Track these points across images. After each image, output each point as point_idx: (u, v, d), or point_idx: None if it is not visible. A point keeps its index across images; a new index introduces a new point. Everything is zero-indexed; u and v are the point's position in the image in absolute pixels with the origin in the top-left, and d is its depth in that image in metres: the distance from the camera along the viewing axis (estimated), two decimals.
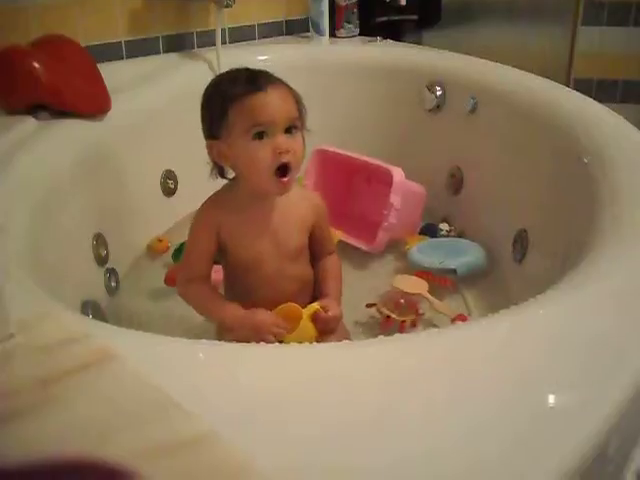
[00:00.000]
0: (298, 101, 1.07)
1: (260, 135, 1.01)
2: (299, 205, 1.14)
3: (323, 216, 1.19)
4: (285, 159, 1.02)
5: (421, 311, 1.29)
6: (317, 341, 1.08)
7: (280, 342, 1.06)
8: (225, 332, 1.13)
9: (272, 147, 1.01)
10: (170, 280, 1.43)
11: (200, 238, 1.11)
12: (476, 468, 0.48)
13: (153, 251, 1.58)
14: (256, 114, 1.01)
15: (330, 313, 1.08)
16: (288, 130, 1.03)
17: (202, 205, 1.13)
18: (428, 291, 1.33)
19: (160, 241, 1.60)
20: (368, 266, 1.51)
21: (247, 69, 1.07)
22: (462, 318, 1.26)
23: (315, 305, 1.09)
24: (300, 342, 1.04)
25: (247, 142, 1.02)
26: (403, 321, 1.25)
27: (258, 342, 0.99)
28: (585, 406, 0.55)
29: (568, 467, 0.49)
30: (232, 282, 1.16)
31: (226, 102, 1.03)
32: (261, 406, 0.53)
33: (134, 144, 1.53)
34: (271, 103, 1.01)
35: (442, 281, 1.40)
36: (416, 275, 1.39)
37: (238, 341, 1.06)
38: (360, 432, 0.51)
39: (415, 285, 1.34)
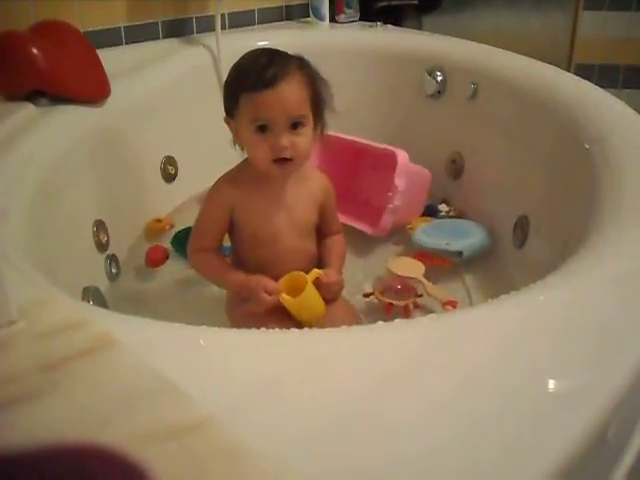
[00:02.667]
0: (315, 93, 1.09)
1: (263, 128, 1.05)
2: (311, 182, 1.19)
3: (332, 196, 1.23)
4: (284, 155, 1.06)
5: (419, 292, 1.29)
6: (324, 315, 1.12)
7: (291, 316, 1.11)
8: (234, 309, 1.17)
9: (271, 143, 1.05)
10: (151, 261, 1.45)
11: (212, 215, 1.15)
12: (478, 456, 0.48)
13: (151, 232, 1.57)
14: (260, 110, 1.04)
15: (331, 279, 1.13)
16: (294, 125, 1.06)
17: (216, 183, 1.16)
18: (424, 274, 1.32)
19: (159, 221, 1.59)
20: (371, 250, 1.51)
21: (269, 54, 1.08)
22: (452, 304, 1.26)
23: (316, 270, 1.13)
24: (305, 309, 1.10)
25: (250, 132, 1.06)
26: (406, 305, 1.26)
27: (255, 303, 1.07)
28: (586, 391, 0.55)
29: (568, 453, 0.49)
30: (243, 259, 1.18)
31: (238, 90, 1.06)
32: (262, 393, 0.53)
33: (134, 130, 1.53)
34: (276, 101, 1.04)
35: (441, 262, 1.40)
36: (415, 257, 1.39)
37: (246, 316, 1.11)
38: (360, 422, 0.51)
39: (410, 268, 1.33)
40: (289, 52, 1.12)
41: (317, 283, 1.12)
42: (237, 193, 1.13)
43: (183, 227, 1.54)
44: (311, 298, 1.10)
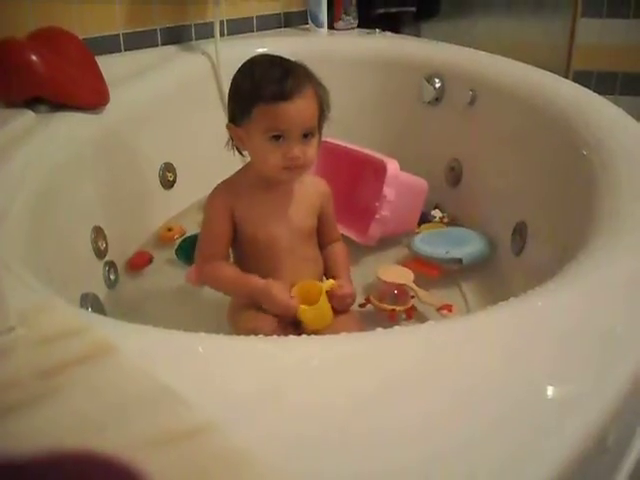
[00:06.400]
0: (322, 102, 1.12)
1: (277, 137, 1.07)
2: (309, 188, 1.20)
3: (330, 202, 1.24)
4: (296, 163, 1.09)
5: (411, 294, 1.30)
6: (332, 323, 1.12)
7: (299, 320, 1.10)
8: (238, 317, 1.16)
9: (284, 152, 1.07)
10: (132, 266, 1.48)
11: (215, 221, 1.15)
12: (478, 463, 0.48)
13: (162, 240, 1.58)
14: (277, 121, 1.06)
15: (345, 291, 1.14)
16: (305, 135, 1.08)
17: (214, 190, 1.17)
18: (414, 281, 1.31)
19: (170, 230, 1.60)
20: (364, 258, 1.50)
21: (281, 63, 1.10)
22: (448, 308, 1.26)
23: (331, 281, 1.14)
24: (318, 319, 1.10)
25: (263, 141, 1.08)
26: (408, 309, 1.27)
27: (276, 312, 1.08)
28: (586, 397, 0.55)
29: (568, 460, 0.49)
30: (243, 266, 1.17)
31: (253, 99, 1.07)
32: (260, 400, 0.53)
33: (133, 137, 1.53)
34: (293, 113, 1.06)
35: (429, 270, 1.40)
36: (405, 264, 1.40)
37: (251, 323, 1.10)
38: (360, 429, 0.51)
39: (400, 275, 1.32)
40: (289, 59, 1.12)
41: (330, 294, 1.12)
42: (235, 198, 1.14)
43: (185, 236, 1.56)
44: (324, 308, 1.10)
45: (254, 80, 1.08)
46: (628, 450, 0.65)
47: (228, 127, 1.14)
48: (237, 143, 1.15)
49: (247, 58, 1.13)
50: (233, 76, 1.14)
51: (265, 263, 1.14)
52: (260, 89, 1.06)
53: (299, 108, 1.06)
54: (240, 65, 1.13)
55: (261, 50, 1.87)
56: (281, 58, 1.12)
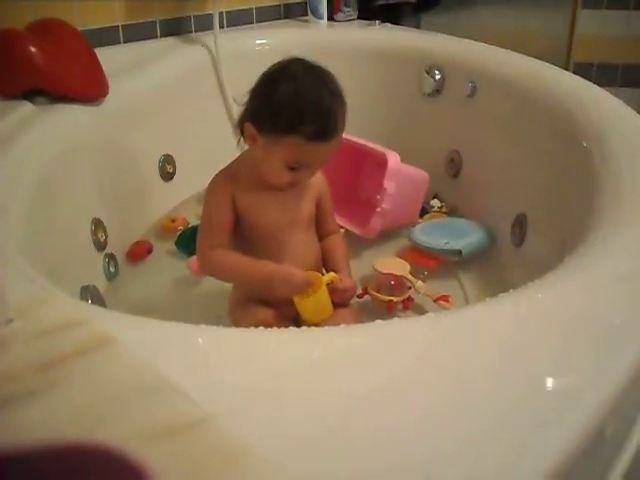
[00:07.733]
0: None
1: (295, 168, 1.07)
2: None
3: (326, 192, 1.23)
4: (300, 184, 1.11)
5: (408, 284, 1.30)
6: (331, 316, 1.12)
7: (298, 310, 1.11)
8: (239, 311, 1.17)
9: (294, 178, 1.08)
10: (132, 255, 1.48)
11: (217, 210, 1.13)
12: (478, 457, 0.48)
13: (165, 231, 1.58)
14: (306, 157, 1.05)
15: (346, 284, 1.14)
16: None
17: (213, 179, 1.15)
18: (411, 272, 1.32)
19: (173, 221, 1.60)
20: (362, 250, 1.50)
21: (330, 93, 1.05)
22: (444, 299, 1.26)
23: (332, 274, 1.13)
24: (317, 310, 1.10)
25: (280, 164, 1.06)
26: (405, 299, 1.27)
27: (287, 294, 1.08)
28: (585, 389, 0.55)
29: (567, 452, 0.49)
30: (244, 254, 1.16)
31: (291, 128, 1.02)
32: (260, 393, 0.53)
33: (132, 129, 1.53)
34: (324, 151, 1.06)
35: (427, 261, 1.40)
36: (401, 255, 1.40)
37: (253, 317, 1.11)
38: (360, 424, 0.51)
39: (396, 266, 1.32)
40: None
41: (331, 287, 1.11)
42: (236, 187, 1.12)
43: (184, 228, 1.56)
44: (324, 300, 1.10)
45: (299, 104, 1.02)
46: (626, 442, 0.65)
47: (247, 127, 1.07)
48: (247, 141, 1.10)
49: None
50: (268, 76, 1.07)
51: (265, 252, 1.13)
52: (303, 121, 1.01)
53: (331, 147, 1.05)
54: (276, 67, 1.07)
55: (260, 41, 1.87)
56: (323, 78, 1.07)
